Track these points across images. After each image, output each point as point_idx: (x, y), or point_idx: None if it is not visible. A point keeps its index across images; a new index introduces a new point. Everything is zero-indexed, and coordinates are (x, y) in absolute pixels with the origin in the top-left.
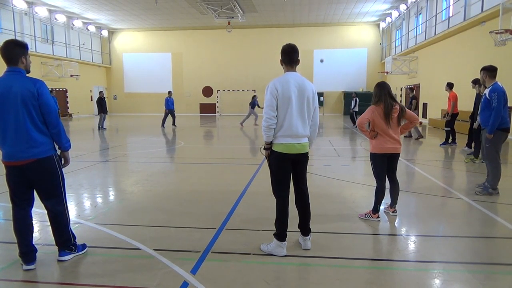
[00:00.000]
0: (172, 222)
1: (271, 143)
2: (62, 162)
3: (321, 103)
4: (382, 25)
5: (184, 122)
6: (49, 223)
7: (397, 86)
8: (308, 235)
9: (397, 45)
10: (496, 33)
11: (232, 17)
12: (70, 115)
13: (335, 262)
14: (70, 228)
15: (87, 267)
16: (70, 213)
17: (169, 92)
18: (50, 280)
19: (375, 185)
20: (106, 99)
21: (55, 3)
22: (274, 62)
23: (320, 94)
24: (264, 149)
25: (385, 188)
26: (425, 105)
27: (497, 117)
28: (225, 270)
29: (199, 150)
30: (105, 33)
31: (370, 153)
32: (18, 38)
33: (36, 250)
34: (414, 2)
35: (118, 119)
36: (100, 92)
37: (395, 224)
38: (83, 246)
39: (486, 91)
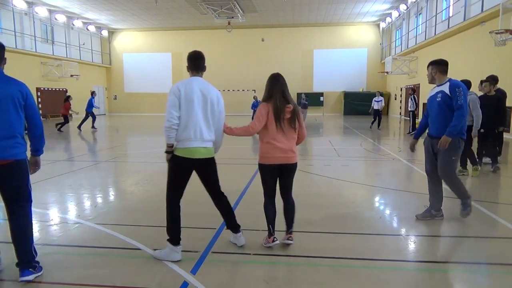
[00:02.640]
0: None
1: (172, 146)
2: (31, 167)
3: (321, 103)
4: (382, 25)
5: None
6: (49, 223)
7: (397, 86)
8: (238, 231)
9: (397, 45)
10: (496, 33)
11: (232, 17)
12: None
13: (335, 262)
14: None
15: (87, 267)
16: (70, 213)
17: None
18: (50, 280)
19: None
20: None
21: (55, 3)
22: (274, 62)
23: (320, 94)
24: (166, 152)
25: (274, 205)
26: (425, 105)
27: (464, 115)
28: (225, 270)
29: None
30: (105, 33)
31: (258, 163)
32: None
33: None
34: (414, 2)
35: (118, 119)
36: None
37: (395, 224)
38: (40, 268)
39: (445, 88)
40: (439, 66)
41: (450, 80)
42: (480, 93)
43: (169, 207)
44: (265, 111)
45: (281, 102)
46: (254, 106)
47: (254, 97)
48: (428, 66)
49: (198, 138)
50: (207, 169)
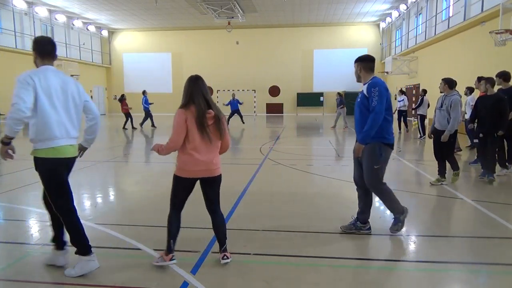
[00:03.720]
0: None
1: (12, 139)
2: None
3: (321, 103)
4: (382, 25)
5: None
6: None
7: (397, 86)
8: (63, 248)
9: (397, 45)
10: (496, 33)
11: (232, 17)
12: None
13: (335, 262)
14: None
15: None
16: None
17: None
18: (50, 280)
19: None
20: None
21: (55, 3)
22: (274, 62)
23: (320, 94)
24: (2, 143)
25: (179, 218)
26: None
27: (377, 119)
28: (225, 270)
29: None
30: (105, 33)
31: (174, 174)
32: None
33: None
34: (414, 2)
35: (118, 119)
36: None
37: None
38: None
39: (364, 88)
40: (364, 63)
41: (372, 78)
42: (477, 92)
43: (67, 215)
44: (182, 120)
45: (203, 108)
46: (232, 105)
47: (232, 95)
48: (354, 63)
49: (64, 136)
50: (71, 167)
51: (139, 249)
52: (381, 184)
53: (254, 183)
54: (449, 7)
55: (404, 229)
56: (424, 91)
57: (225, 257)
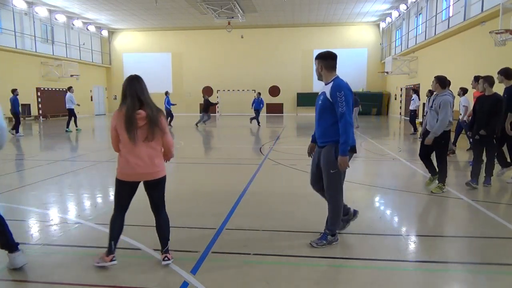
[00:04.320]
0: (172, 222)
1: None
2: None
3: None
4: (382, 25)
5: (184, 122)
6: (49, 223)
7: (397, 86)
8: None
9: (397, 45)
10: (496, 33)
11: (232, 17)
12: None
13: (335, 262)
14: None
15: (87, 267)
16: (70, 213)
17: (259, 93)
18: (50, 280)
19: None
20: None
21: (55, 3)
22: (274, 62)
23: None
24: None
25: (123, 220)
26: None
27: (349, 125)
28: (225, 270)
29: (199, 150)
30: (105, 33)
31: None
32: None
33: None
34: (414, 2)
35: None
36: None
37: (395, 224)
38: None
39: (327, 89)
40: (326, 61)
41: (334, 79)
42: (471, 93)
43: None
44: (112, 125)
45: (131, 109)
46: (256, 103)
47: (258, 94)
48: (315, 60)
49: None
50: None
51: (139, 249)
52: (337, 192)
53: (254, 183)
54: (449, 7)
55: (404, 229)
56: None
57: (166, 258)
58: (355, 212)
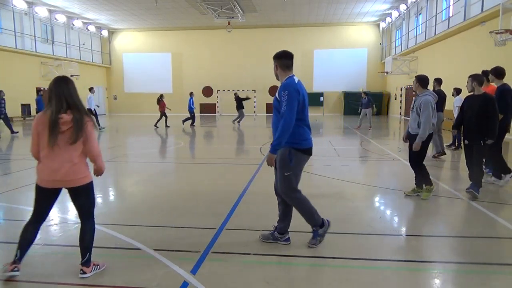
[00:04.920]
0: (172, 222)
1: None
2: None
3: (321, 103)
4: (382, 25)
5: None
6: (49, 223)
7: (397, 86)
8: None
9: (397, 45)
10: (496, 33)
11: (232, 17)
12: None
13: (335, 262)
14: None
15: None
16: (70, 213)
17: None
18: (50, 280)
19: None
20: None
21: (55, 3)
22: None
23: (320, 94)
24: None
25: (37, 230)
26: None
27: (287, 126)
28: (225, 270)
29: (199, 150)
30: (105, 33)
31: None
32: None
33: None
34: (414, 2)
35: (118, 119)
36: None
37: (395, 224)
38: None
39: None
40: (280, 60)
41: (287, 79)
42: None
43: None
44: (34, 127)
45: (56, 112)
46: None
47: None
48: (273, 60)
49: None
50: None
51: (139, 249)
52: (293, 193)
53: (254, 183)
54: (449, 7)
55: (404, 229)
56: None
57: (81, 271)
58: (288, 240)
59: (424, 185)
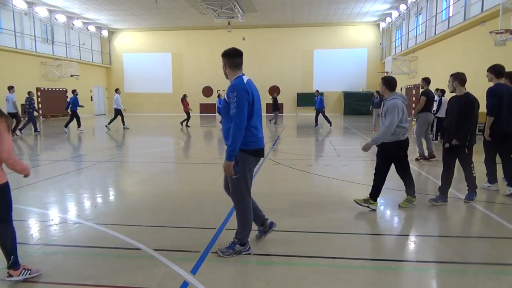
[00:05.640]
0: (172, 222)
1: None
2: None
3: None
4: (382, 25)
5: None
6: (49, 223)
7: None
8: None
9: (397, 45)
10: (496, 33)
11: (232, 17)
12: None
13: (335, 262)
14: None
15: (87, 267)
16: (70, 213)
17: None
18: (50, 280)
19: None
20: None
21: (55, 3)
22: (274, 62)
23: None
24: None
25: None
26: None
27: (238, 129)
28: (225, 270)
29: (199, 150)
30: (105, 33)
31: None
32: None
33: None
34: (414, 2)
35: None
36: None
37: (395, 224)
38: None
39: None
40: (229, 58)
41: (235, 78)
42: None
43: None
44: None
45: None
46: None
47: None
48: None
49: None
50: None
51: (139, 249)
52: (241, 198)
53: (254, 183)
54: (449, 7)
55: (404, 229)
56: (443, 91)
57: (8, 274)
58: (272, 225)
59: (407, 195)
